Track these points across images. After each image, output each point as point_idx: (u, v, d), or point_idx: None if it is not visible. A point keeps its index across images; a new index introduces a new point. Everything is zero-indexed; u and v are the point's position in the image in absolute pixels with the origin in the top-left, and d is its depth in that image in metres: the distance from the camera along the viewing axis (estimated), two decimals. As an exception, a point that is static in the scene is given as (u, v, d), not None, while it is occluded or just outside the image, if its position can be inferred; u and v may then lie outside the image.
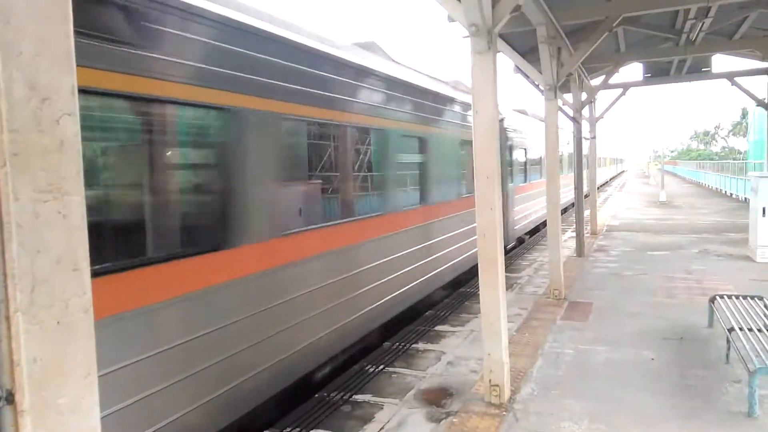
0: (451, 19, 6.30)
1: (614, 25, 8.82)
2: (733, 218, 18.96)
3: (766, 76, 15.09)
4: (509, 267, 12.07)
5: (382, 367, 6.24)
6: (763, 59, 13.56)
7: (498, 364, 5.15)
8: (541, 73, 8.84)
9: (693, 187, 42.65)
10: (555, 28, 8.51)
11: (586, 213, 17.12)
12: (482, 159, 5.14)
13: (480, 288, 5.24)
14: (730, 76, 15.21)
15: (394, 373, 6.08)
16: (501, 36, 9.72)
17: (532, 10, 7.52)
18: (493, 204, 5.13)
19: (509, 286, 10.09)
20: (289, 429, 4.83)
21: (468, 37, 5.08)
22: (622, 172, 74.40)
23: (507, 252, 13.61)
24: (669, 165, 70.82)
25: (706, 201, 27.84)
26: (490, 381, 5.19)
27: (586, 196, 18.20)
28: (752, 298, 6.72)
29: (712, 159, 68.62)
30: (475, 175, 5.20)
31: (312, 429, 4.82)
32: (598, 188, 37.10)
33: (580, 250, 12.64)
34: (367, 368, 6.22)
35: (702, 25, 10.48)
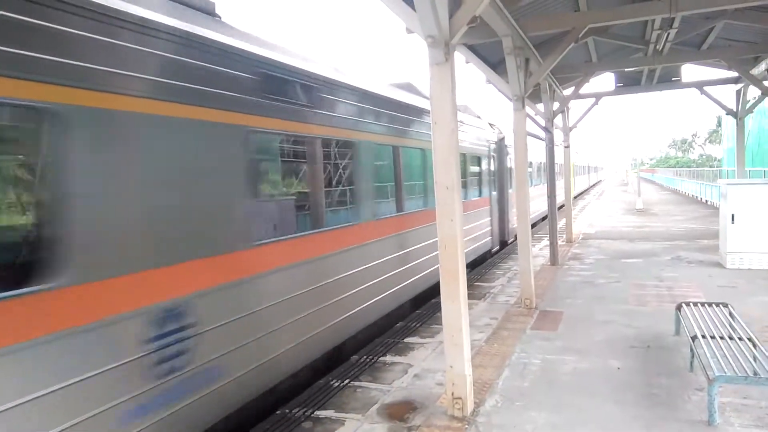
0: (409, 31, 6.30)
1: (580, 36, 8.90)
2: (706, 225, 19.19)
3: (734, 85, 15.35)
4: (483, 276, 12.08)
5: (347, 381, 6.16)
6: (729, 69, 13.82)
7: (460, 376, 5.10)
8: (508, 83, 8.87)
9: (670, 194, 43.17)
10: (521, 38, 8.56)
11: (563, 222, 17.25)
12: (442, 170, 5.12)
13: (442, 300, 5.19)
14: (700, 86, 15.46)
15: (359, 387, 6.00)
16: (471, 47, 9.81)
17: (496, 21, 7.56)
18: (454, 215, 5.09)
19: (482, 296, 10.09)
20: (246, 448, 4.73)
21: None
22: (599, 181, 75.02)
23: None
24: (647, 173, 71.73)
25: (682, 208, 28.17)
26: (452, 394, 5.14)
27: (561, 207, 18.33)
28: (717, 305, 6.77)
29: (689, 166, 69.67)
30: (435, 186, 5.17)
31: (270, 447, 4.73)
32: (576, 197, 37.61)
33: (554, 259, 12.68)
34: (332, 383, 6.14)
35: (668, 36, 10.63)
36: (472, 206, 12.18)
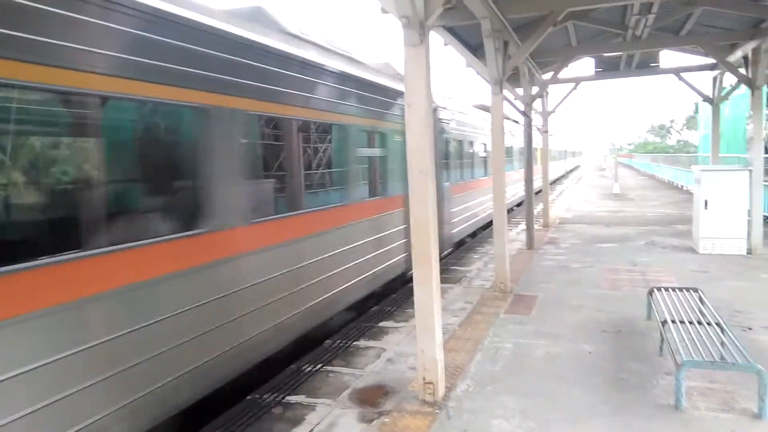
0: (384, 11, 6.18)
1: (559, 19, 8.84)
2: (681, 210, 19.44)
3: (710, 71, 15.45)
4: (460, 260, 12.10)
5: (319, 366, 6.13)
6: (706, 55, 13.89)
7: (432, 361, 5.09)
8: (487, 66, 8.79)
9: (647, 179, 43.66)
10: (500, 21, 8.48)
11: (541, 206, 17.33)
12: (416, 154, 5.05)
13: (414, 285, 5.16)
14: (677, 72, 15.53)
15: (332, 372, 5.97)
16: (450, 30, 9.69)
17: (474, 3, 7.46)
18: (427, 200, 5.04)
19: (458, 280, 10.10)
20: (214, 434, 4.67)
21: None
22: (577, 167, 75.33)
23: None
24: (625, 158, 72.41)
25: (658, 193, 28.52)
26: (424, 378, 5.13)
27: (539, 192, 18.40)
28: (688, 290, 6.84)
29: (667, 152, 70.39)
30: (408, 170, 5.10)
31: (238, 433, 4.68)
32: (553, 182, 37.82)
33: (530, 243, 12.74)
34: (304, 368, 6.10)
35: (647, 21, 10.62)
36: (366, 211, 8.00)
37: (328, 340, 6.96)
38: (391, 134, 8.89)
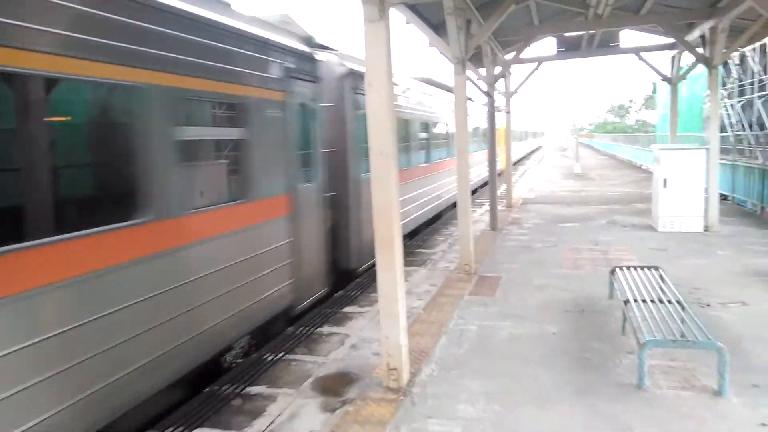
0: None
1: (521, -3, 8.72)
2: (640, 189, 19.80)
3: (669, 51, 15.63)
4: (425, 242, 12.05)
5: (281, 354, 5.98)
6: (665, 35, 14.02)
7: (396, 347, 4.99)
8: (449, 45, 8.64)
9: (607, 159, 44.45)
10: (462, -1, 8.32)
11: (504, 187, 17.39)
12: (376, 135, 4.89)
13: (377, 270, 5.03)
14: (637, 51, 15.65)
15: (294, 360, 5.83)
16: (412, 8, 9.46)
17: (436, -21, 7.28)
18: (389, 183, 4.91)
19: (423, 263, 10.04)
20: (171, 429, 4.49)
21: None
22: (539, 148, 75.94)
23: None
24: (586, 138, 73.54)
25: (618, 173, 29.03)
26: (388, 365, 5.03)
27: (501, 174, 18.44)
28: (649, 269, 6.90)
29: (626, 132, 71.72)
30: (369, 152, 4.95)
31: (196, 428, 4.50)
32: (515, 163, 38.14)
33: (493, 224, 12.76)
34: (265, 357, 5.94)
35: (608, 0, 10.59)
36: (210, 226, 5.24)
37: (290, 327, 6.81)
38: (262, 106, 6.00)
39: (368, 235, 8.03)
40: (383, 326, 5.02)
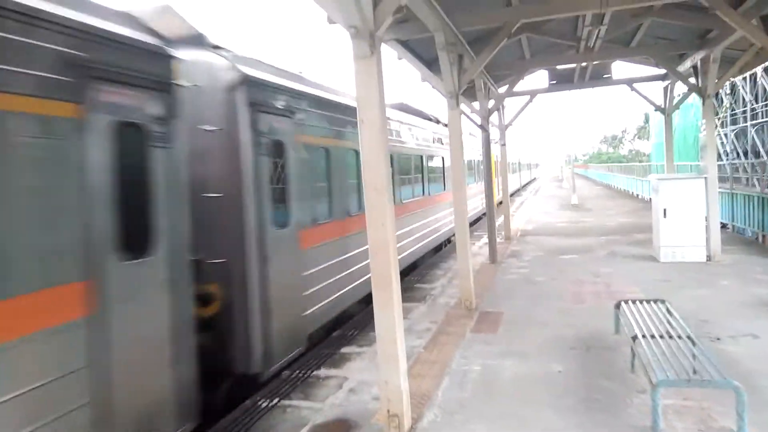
0: (331, 21, 5.91)
1: (513, 31, 8.75)
2: (638, 218, 19.69)
3: (661, 82, 15.73)
4: (424, 277, 11.83)
5: (277, 400, 5.71)
6: (657, 66, 14.12)
7: (396, 392, 4.76)
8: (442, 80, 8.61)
9: (603, 189, 44.55)
10: (454, 34, 8.31)
11: (502, 219, 17.27)
12: (371, 171, 4.76)
13: (374, 309, 4.83)
14: (630, 82, 15.76)
15: (290, 406, 5.57)
16: (404, 44, 9.49)
17: (427, 15, 7.27)
18: (385, 219, 4.75)
19: (422, 298, 9.82)
20: (158, 486, 4.19)
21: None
22: (534, 179, 75.84)
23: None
24: (581, 168, 73.95)
25: (615, 203, 28.99)
26: (388, 411, 4.78)
27: (500, 203, 18.33)
28: (655, 302, 6.70)
29: (620, 161, 72.21)
30: (364, 189, 4.81)
31: (185, 485, 4.23)
32: (512, 195, 38.16)
33: (493, 257, 12.58)
34: (260, 403, 5.68)
35: (599, 32, 10.65)
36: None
37: (286, 371, 6.54)
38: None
39: (284, 320, 6.11)
40: (382, 370, 4.80)
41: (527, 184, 60.68)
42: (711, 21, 9.58)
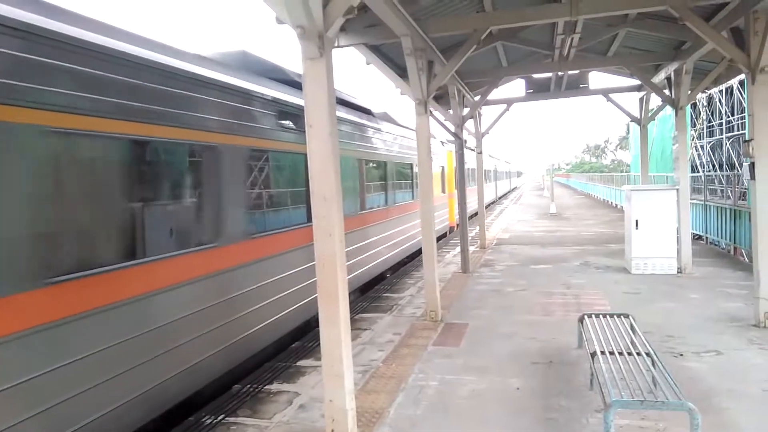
0: (279, 21, 5.69)
1: (483, 37, 8.59)
2: (615, 229, 19.67)
3: (637, 92, 15.72)
4: (393, 286, 11.62)
5: (221, 416, 5.45)
6: (630, 76, 14.09)
7: (341, 411, 4.53)
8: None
9: (583, 198, 44.73)
10: (423, 39, 8.15)
11: (477, 229, 17.13)
12: (319, 179, 4.54)
13: (320, 326, 4.61)
14: (606, 93, 15.72)
15: (234, 423, 5.31)
16: (374, 48, 9.30)
17: (393, 19, 7.08)
18: (333, 230, 4.53)
19: (388, 309, 9.60)
20: None
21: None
22: (515, 188, 75.60)
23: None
24: (562, 177, 74.40)
25: (593, 212, 29.06)
26: (332, 431, 4.56)
27: (473, 216, 18.18)
28: (618, 316, 6.55)
29: (602, 171, 72.74)
30: (311, 197, 4.59)
31: None
32: (493, 203, 38.09)
33: (465, 266, 12.41)
34: (204, 419, 5.41)
35: (572, 41, 10.57)
36: None
37: (237, 385, 6.28)
38: None
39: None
40: (326, 389, 4.57)
41: (508, 192, 60.72)
42: (683, 32, 9.53)
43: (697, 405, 4.09)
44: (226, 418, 5.41)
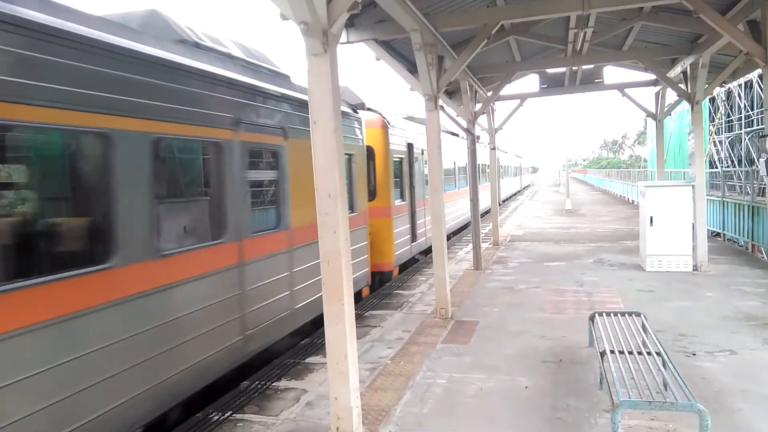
0: (283, 17, 5.66)
1: (494, 32, 8.51)
2: (631, 225, 19.42)
3: (653, 87, 15.50)
4: (405, 283, 11.59)
5: (229, 413, 5.46)
6: (646, 70, 13.89)
7: (346, 409, 4.51)
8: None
9: (600, 194, 44.29)
10: (432, 34, 8.09)
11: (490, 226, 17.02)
12: (324, 176, 4.52)
13: (325, 323, 4.59)
14: (621, 88, 15.54)
15: (241, 421, 5.31)
16: (384, 43, 9.26)
17: (401, 14, 7.03)
18: (338, 227, 4.51)
19: (399, 306, 9.57)
20: None
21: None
22: (530, 184, 74.56)
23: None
24: (579, 173, 73.72)
25: (610, 209, 28.74)
26: (338, 429, 4.54)
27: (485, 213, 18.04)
28: (630, 314, 6.46)
29: (620, 167, 71.95)
30: (316, 195, 4.57)
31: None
32: (508, 199, 37.79)
33: (477, 263, 12.33)
34: (211, 416, 5.43)
35: (585, 35, 10.43)
36: None
37: (245, 382, 6.30)
38: None
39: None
40: (332, 386, 4.56)
41: (525, 188, 60.22)
42: (699, 25, 9.36)
43: (708, 406, 4.02)
44: (234, 415, 5.42)
